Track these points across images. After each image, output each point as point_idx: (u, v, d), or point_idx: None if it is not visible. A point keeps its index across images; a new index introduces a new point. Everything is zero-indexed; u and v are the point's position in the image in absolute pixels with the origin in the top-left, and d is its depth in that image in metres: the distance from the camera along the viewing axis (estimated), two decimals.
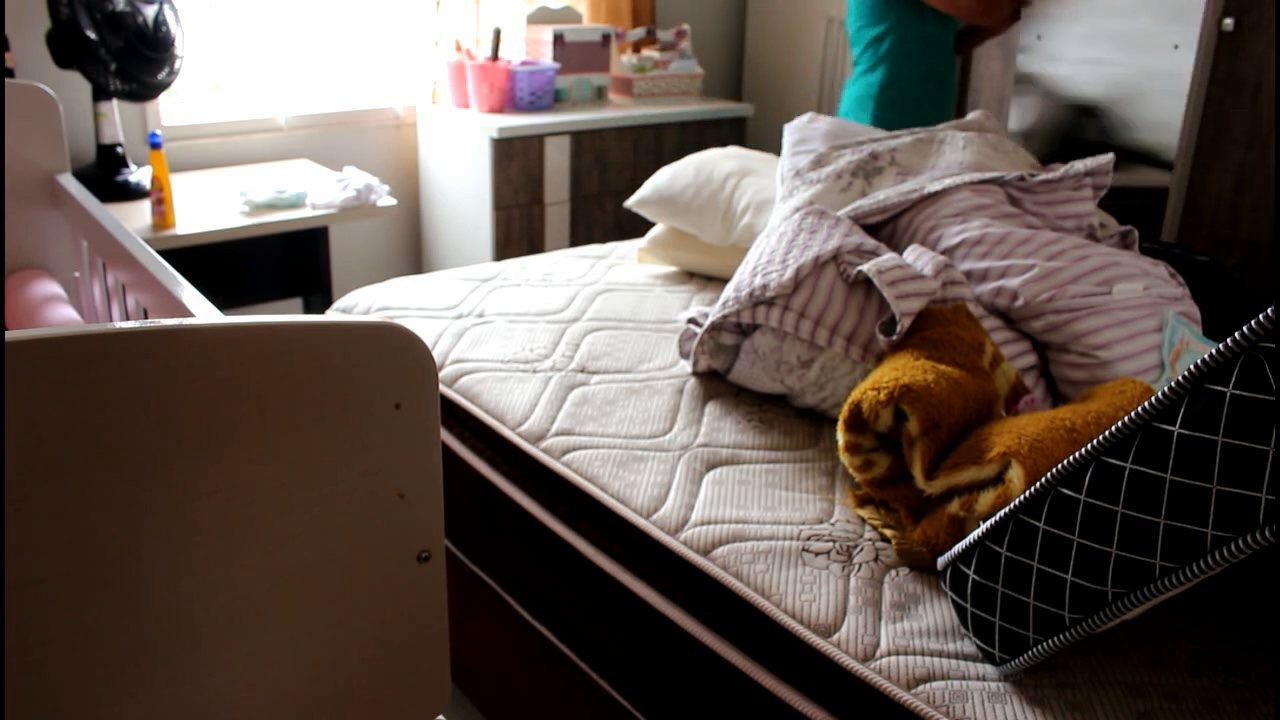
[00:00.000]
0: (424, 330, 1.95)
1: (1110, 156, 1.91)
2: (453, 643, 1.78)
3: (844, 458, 1.37)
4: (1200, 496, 0.89)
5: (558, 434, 1.58)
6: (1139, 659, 1.12)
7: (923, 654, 1.12)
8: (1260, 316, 0.86)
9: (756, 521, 1.35)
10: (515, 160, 3.19)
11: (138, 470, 0.74)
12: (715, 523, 1.35)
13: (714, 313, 1.66)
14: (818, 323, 1.57)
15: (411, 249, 3.65)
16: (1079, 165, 1.90)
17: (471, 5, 3.48)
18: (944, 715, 1.04)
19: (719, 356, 1.71)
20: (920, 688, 1.08)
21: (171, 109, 3.07)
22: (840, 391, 1.58)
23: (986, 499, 1.19)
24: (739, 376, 1.69)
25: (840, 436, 1.37)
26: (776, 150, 3.96)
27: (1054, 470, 1.02)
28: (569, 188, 3.35)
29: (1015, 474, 1.15)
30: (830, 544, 1.30)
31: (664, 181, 2.29)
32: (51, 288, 1.84)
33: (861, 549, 1.29)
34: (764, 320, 1.59)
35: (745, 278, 1.66)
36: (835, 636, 1.15)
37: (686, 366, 1.78)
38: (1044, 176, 1.87)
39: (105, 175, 2.66)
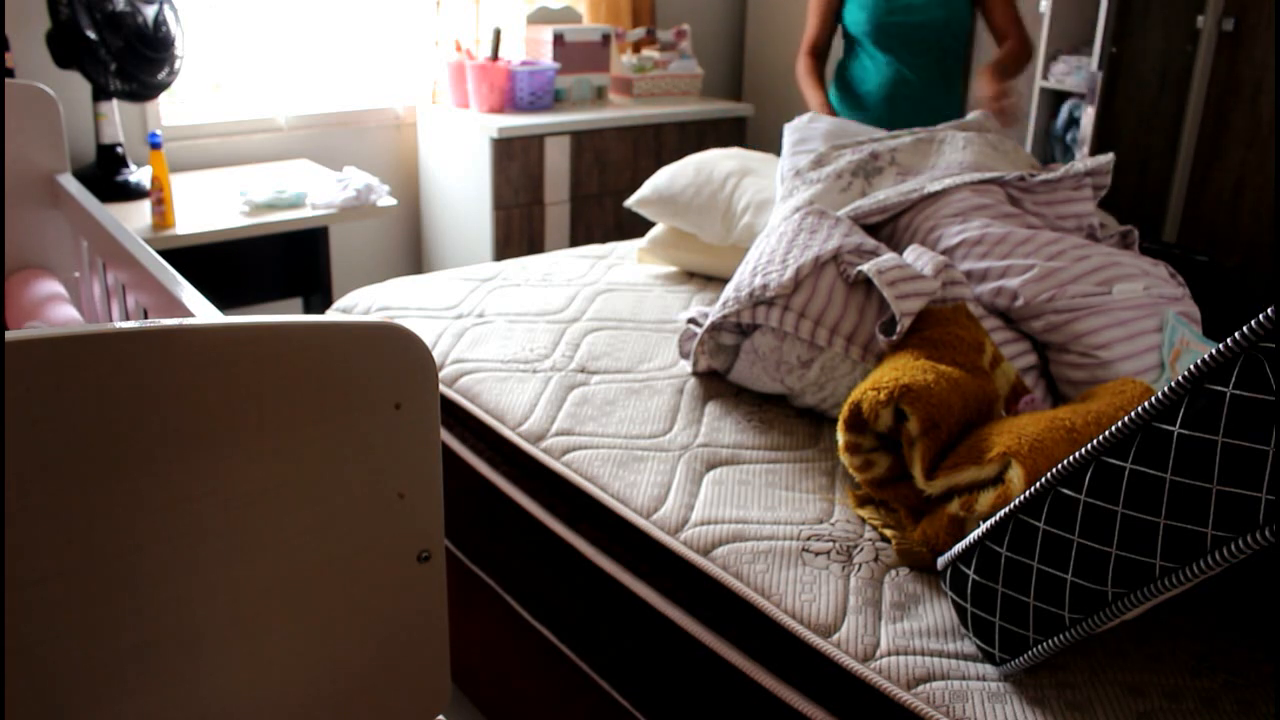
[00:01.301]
0: (424, 330, 1.95)
1: (1110, 156, 1.91)
2: (453, 643, 1.78)
3: (844, 458, 1.37)
4: (1200, 496, 0.89)
5: (558, 434, 1.58)
6: (1139, 659, 1.12)
7: (923, 654, 1.12)
8: (1260, 316, 0.86)
9: (756, 521, 1.35)
10: (515, 160, 3.19)
11: (138, 470, 0.74)
12: (715, 523, 1.34)
13: (714, 313, 1.66)
14: (818, 323, 1.57)
15: (411, 249, 3.65)
16: (1079, 165, 1.90)
17: (471, 5, 3.48)
18: (944, 715, 1.04)
19: (719, 356, 1.71)
20: (920, 688, 1.08)
21: (171, 109, 3.07)
22: (840, 391, 1.58)
23: (986, 499, 1.19)
24: (739, 376, 1.69)
25: (840, 436, 1.37)
26: (776, 150, 3.96)
27: (1054, 470, 1.02)
28: (569, 188, 3.35)
29: (1015, 474, 1.15)
30: (830, 544, 1.30)
31: (664, 181, 2.29)
32: (52, 287, 1.84)
33: (861, 549, 1.29)
34: (764, 320, 1.59)
35: (745, 278, 1.66)
36: (835, 636, 1.15)
37: (686, 366, 1.78)
38: (1044, 176, 1.87)
39: (105, 175, 2.66)
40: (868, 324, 1.57)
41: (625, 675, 1.45)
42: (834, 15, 2.69)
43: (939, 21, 2.54)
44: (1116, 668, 1.10)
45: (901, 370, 1.34)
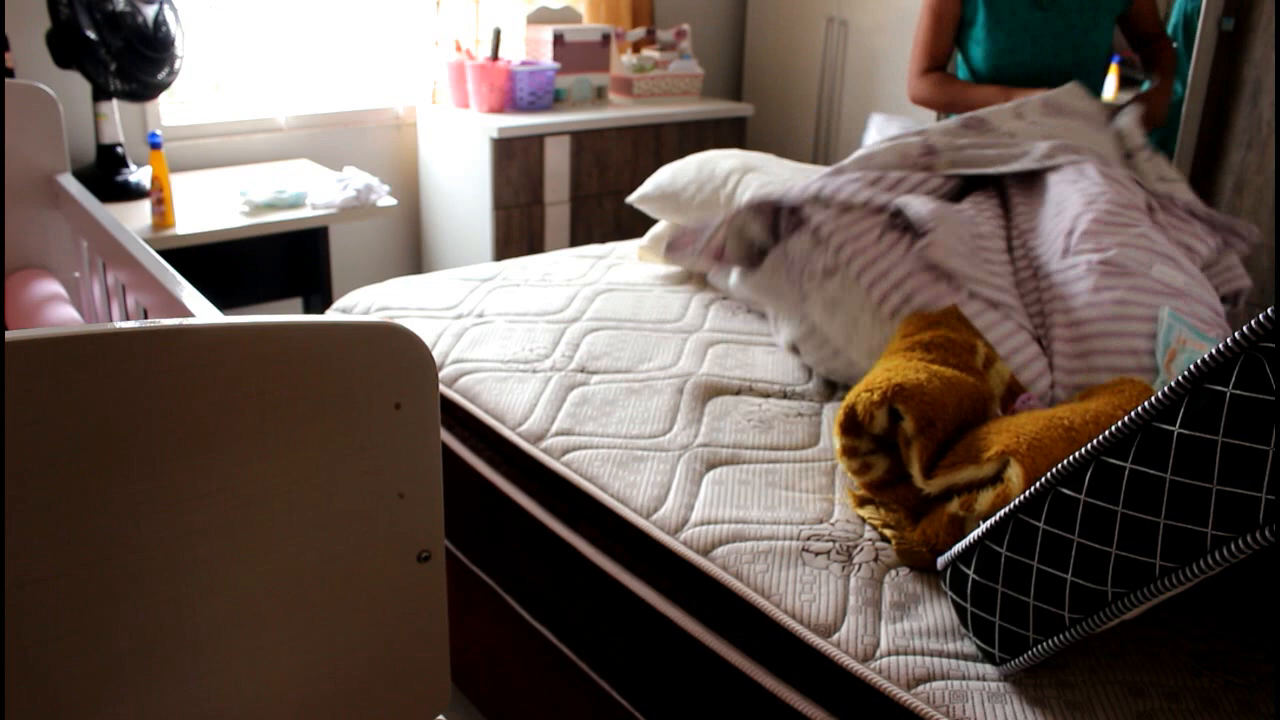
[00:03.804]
0: (424, 330, 1.95)
1: (1255, 230, 1.86)
2: (453, 643, 1.78)
3: (841, 462, 1.37)
4: (1200, 496, 0.89)
5: (557, 434, 1.58)
6: (1139, 659, 1.12)
7: (923, 654, 1.12)
8: (1260, 316, 0.86)
9: (756, 521, 1.35)
10: (515, 160, 3.19)
11: (138, 470, 0.74)
12: (715, 523, 1.35)
13: (767, 195, 1.66)
14: (856, 250, 1.57)
15: (411, 249, 3.65)
16: (1229, 219, 1.86)
17: (471, 5, 3.48)
18: (944, 715, 1.04)
19: (736, 244, 1.69)
20: (920, 688, 1.08)
21: (171, 109, 3.07)
22: (839, 333, 1.60)
23: (986, 498, 1.19)
24: (751, 284, 1.67)
25: (837, 440, 1.37)
26: (777, 151, 3.96)
27: (1054, 470, 1.02)
28: (569, 188, 3.35)
29: (1014, 473, 1.15)
30: (830, 544, 1.30)
31: (666, 178, 2.29)
32: (52, 287, 1.84)
33: (861, 549, 1.29)
34: (811, 217, 1.59)
35: (812, 181, 1.68)
36: (835, 636, 1.15)
37: (687, 366, 1.78)
38: (1190, 206, 1.85)
39: (105, 175, 2.66)
40: (891, 278, 1.57)
41: (625, 675, 1.45)
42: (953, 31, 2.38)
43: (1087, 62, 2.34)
44: (1116, 668, 1.10)
45: (894, 370, 1.34)
